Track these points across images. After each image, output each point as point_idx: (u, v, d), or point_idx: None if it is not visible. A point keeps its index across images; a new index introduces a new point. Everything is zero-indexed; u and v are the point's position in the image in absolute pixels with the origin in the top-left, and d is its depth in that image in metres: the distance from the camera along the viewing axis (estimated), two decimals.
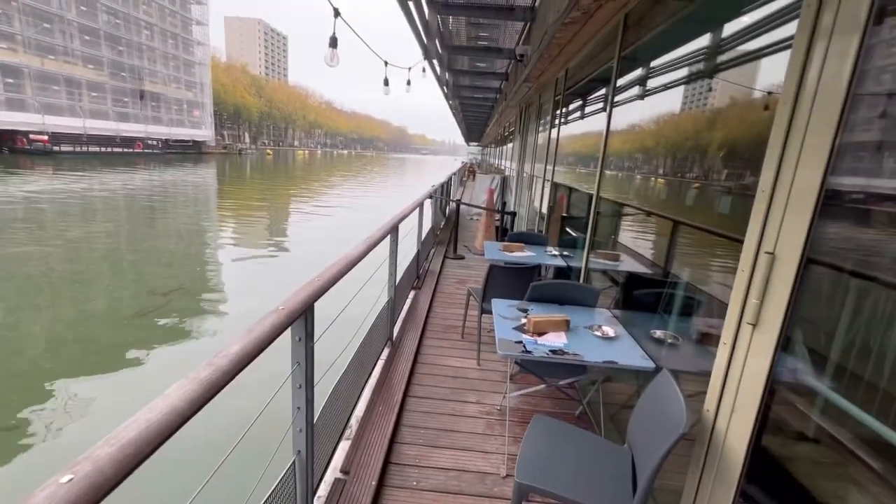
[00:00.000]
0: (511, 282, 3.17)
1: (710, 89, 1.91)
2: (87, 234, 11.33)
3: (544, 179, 5.55)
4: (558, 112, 4.92)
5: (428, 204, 5.37)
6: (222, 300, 7.29)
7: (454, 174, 12.09)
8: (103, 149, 39.46)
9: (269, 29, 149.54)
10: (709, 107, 1.91)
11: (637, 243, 2.73)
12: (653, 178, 2.56)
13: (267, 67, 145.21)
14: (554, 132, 5.13)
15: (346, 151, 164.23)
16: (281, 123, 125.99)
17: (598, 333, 2.15)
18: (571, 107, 4.56)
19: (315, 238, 12.64)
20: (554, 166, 4.99)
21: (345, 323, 2.11)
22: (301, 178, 35.79)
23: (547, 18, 3.66)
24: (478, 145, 39.57)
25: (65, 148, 35.52)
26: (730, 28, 1.73)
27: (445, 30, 5.50)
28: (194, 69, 53.43)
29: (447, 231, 7.83)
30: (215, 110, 63.54)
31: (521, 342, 2.01)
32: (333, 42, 4.51)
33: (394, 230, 3.11)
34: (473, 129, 24.49)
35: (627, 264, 2.81)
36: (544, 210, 5.54)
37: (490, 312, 2.46)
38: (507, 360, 3.14)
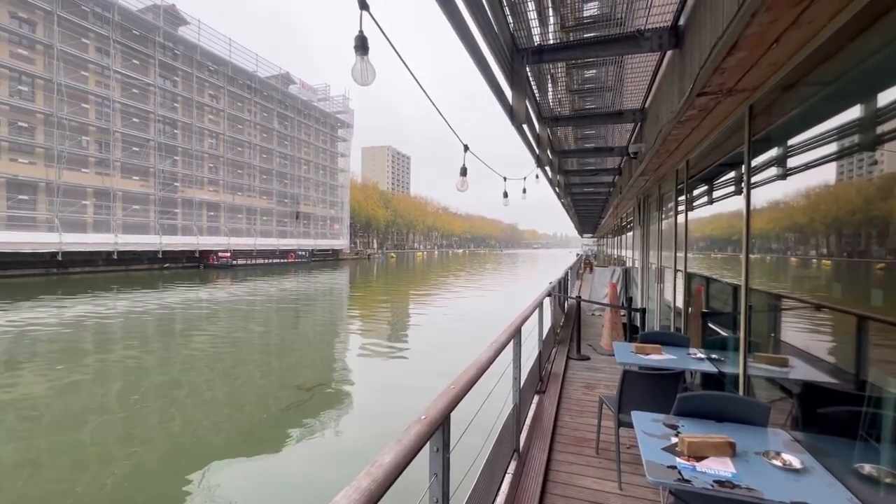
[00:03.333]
0: (651, 390, 2.84)
1: (874, 161, 1.70)
2: (247, 332, 13.38)
3: (675, 269, 5.14)
4: (683, 199, 4.70)
5: (547, 302, 5.29)
6: (356, 396, 7.73)
7: (570, 268, 11.84)
8: (265, 260, 47.96)
9: (395, 153, 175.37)
10: (877, 174, 1.68)
11: (810, 343, 2.30)
12: (814, 260, 2.22)
13: (393, 183, 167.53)
14: (681, 219, 4.86)
15: (460, 251, 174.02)
16: (403, 229, 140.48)
17: (778, 463, 1.76)
18: (697, 192, 4.34)
19: (434, 333, 13.09)
20: (686, 254, 4.63)
21: (472, 431, 2.08)
22: (421, 277, 38.42)
23: (660, 118, 3.72)
24: (592, 237, 38.70)
25: (240, 261, 44.06)
26: (887, 96, 1.58)
27: (555, 137, 5.89)
28: (337, 191, 64.21)
29: (568, 329, 7.48)
30: (350, 222, 74.08)
31: (674, 467, 1.74)
32: (464, 171, 5.16)
33: (517, 333, 3.10)
34: (586, 221, 24.26)
35: (801, 371, 2.36)
36: (679, 304, 5.03)
37: (629, 426, 2.20)
38: (657, 487, 2.68)
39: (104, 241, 32.20)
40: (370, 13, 2.17)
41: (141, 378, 8.83)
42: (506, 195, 7.39)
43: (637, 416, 2.26)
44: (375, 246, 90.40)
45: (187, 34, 39.65)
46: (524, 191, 7.55)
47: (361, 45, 2.22)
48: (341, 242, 64.79)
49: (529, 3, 2.90)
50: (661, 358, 3.30)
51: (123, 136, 34.76)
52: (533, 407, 4.04)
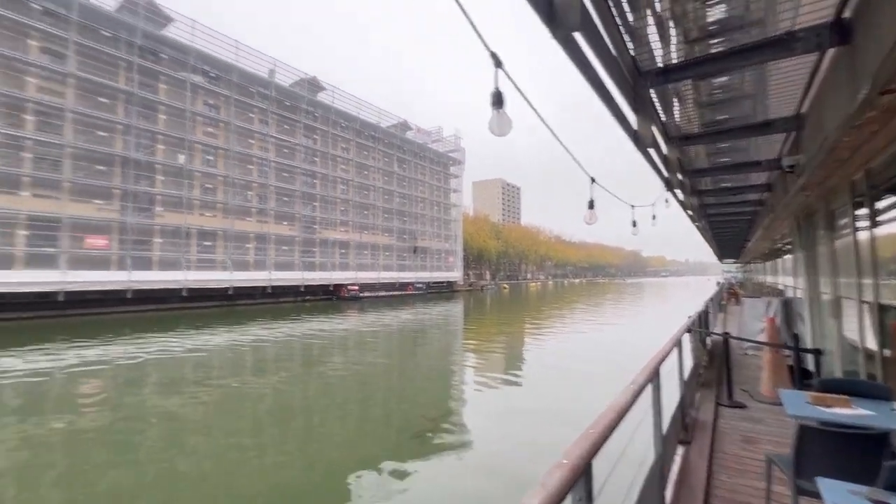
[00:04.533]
0: (841, 453, 2.31)
1: None
2: (373, 360, 14.39)
3: (859, 300, 4.20)
4: (865, 213, 3.89)
5: (686, 339, 4.72)
6: (477, 427, 7.72)
7: (710, 300, 10.43)
8: (387, 292, 51.65)
9: (505, 184, 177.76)
10: None
11: None
12: None
13: (504, 214, 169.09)
14: (863, 237, 4.00)
15: (577, 280, 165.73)
16: (515, 259, 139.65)
17: None
18: (883, 204, 3.55)
19: (552, 367, 12.52)
20: (876, 281, 3.77)
21: (611, 481, 1.91)
22: (535, 308, 37.46)
23: (824, 123, 3.18)
24: (735, 262, 33.76)
25: (366, 294, 48.19)
26: None
27: (685, 157, 5.39)
28: (450, 225, 67.10)
29: (713, 370, 6.53)
30: (463, 254, 76.28)
31: None
32: (591, 204, 5.05)
33: (655, 375, 2.81)
34: (727, 245, 21.30)
35: None
36: (869, 344, 4.06)
37: (811, 495, 1.80)
38: None
39: (262, 277, 38.15)
40: (504, 70, 2.32)
41: (281, 399, 10.04)
42: (634, 224, 6.91)
43: (827, 485, 1.85)
44: (488, 277, 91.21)
45: (324, 98, 46.44)
46: (654, 217, 6.98)
47: (498, 101, 2.38)
48: (455, 274, 66.89)
49: (648, 20, 2.77)
50: (853, 413, 2.68)
51: (276, 188, 41.43)
52: (678, 460, 3.57)
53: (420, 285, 57.53)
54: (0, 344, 17.01)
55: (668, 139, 4.32)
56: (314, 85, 45.48)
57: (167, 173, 33.45)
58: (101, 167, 29.67)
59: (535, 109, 2.95)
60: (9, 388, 10.91)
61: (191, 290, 32.63)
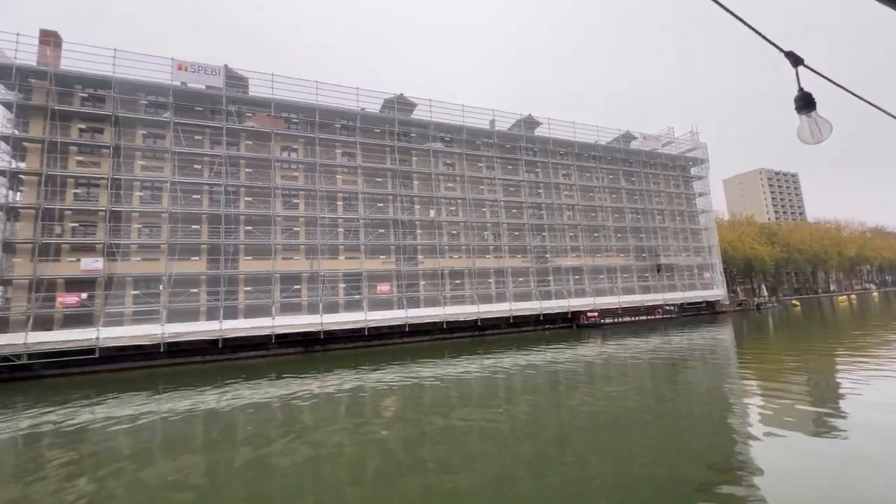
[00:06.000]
0: None
1: None
2: (624, 392, 13.10)
3: None
4: None
5: None
6: (780, 487, 5.94)
7: None
8: (631, 318, 47.27)
9: (772, 173, 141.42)
10: None
11: None
12: None
13: (776, 211, 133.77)
14: None
15: None
16: (805, 266, 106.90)
17: None
18: None
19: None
20: None
21: None
22: (846, 332, 27.29)
23: None
24: None
25: (607, 320, 45.42)
26: None
27: None
28: (700, 235, 57.18)
29: None
30: (724, 268, 63.18)
31: None
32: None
33: None
34: None
35: None
36: None
37: None
38: None
39: (503, 309, 41.10)
40: (807, 66, 1.87)
41: (536, 432, 10.10)
42: None
43: None
44: (765, 292, 72.20)
45: (541, 131, 48.28)
46: None
47: (806, 104, 1.95)
48: (716, 292, 55.85)
49: None
50: None
51: (507, 224, 44.69)
52: None
53: (670, 307, 50.41)
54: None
55: None
56: (530, 122, 48.05)
57: (423, 227, 40.85)
58: (381, 230, 38.72)
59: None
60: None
61: (449, 322, 37.98)
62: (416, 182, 41.51)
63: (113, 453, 10.23)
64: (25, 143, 29.14)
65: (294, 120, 37.80)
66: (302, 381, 19.21)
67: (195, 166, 33.24)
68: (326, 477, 7.90)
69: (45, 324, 26.95)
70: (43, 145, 28.76)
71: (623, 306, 47.49)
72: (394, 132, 40.26)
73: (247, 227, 34.13)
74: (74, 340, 25.84)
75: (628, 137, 54.83)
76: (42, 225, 27.83)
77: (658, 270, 52.12)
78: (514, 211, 45.60)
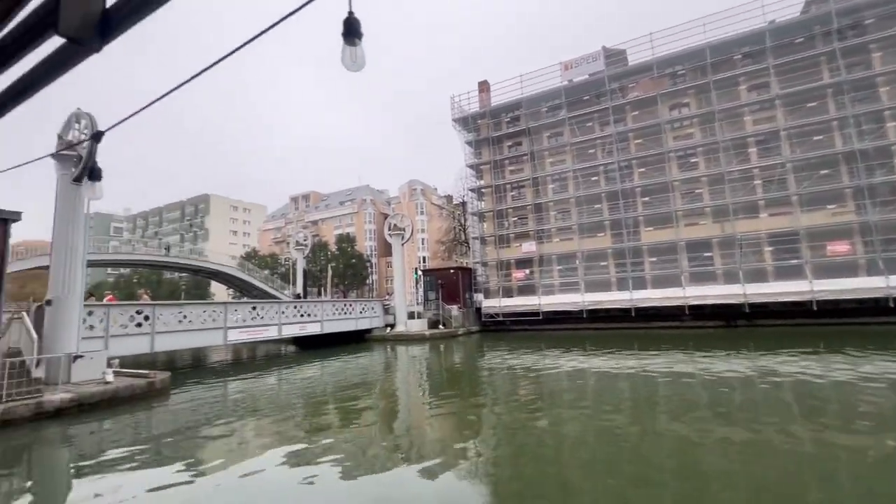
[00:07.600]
0: None
1: None
2: None
3: None
4: None
5: None
6: None
7: None
8: None
9: None
10: None
11: None
12: None
13: None
14: None
15: None
16: None
17: None
18: None
19: None
20: None
21: None
22: None
23: None
24: None
25: None
26: None
27: None
28: None
29: None
30: None
31: None
32: None
33: None
34: None
35: None
36: None
37: None
38: None
39: None
40: None
41: None
42: None
43: None
44: None
45: None
46: None
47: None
48: None
49: None
50: None
51: None
52: None
53: None
54: (771, 347, 19.19)
55: None
56: None
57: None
58: (823, 171, 28.39)
59: None
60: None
61: None
62: (884, 89, 27.71)
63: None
64: (481, 167, 40.98)
65: (680, 72, 33.98)
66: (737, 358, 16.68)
67: (589, 151, 36.09)
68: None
69: (506, 292, 36.84)
70: (490, 165, 39.50)
71: None
72: (829, 32, 28.51)
73: (644, 199, 33.68)
74: (524, 305, 33.99)
75: None
76: (497, 222, 38.35)
77: None
78: None
